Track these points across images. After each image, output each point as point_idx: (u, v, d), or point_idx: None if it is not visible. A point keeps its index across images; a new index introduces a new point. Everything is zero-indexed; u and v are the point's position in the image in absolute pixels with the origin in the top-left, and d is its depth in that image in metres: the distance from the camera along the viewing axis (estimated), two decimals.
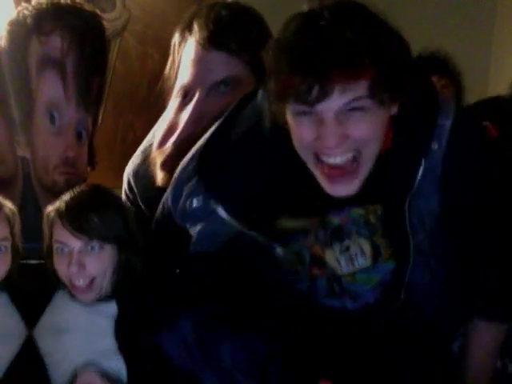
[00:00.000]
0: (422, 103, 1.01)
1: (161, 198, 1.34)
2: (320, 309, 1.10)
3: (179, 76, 1.40)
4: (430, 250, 1.06)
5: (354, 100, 0.89)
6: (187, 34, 1.37)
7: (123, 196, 1.68)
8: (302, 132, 0.94)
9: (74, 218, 1.11)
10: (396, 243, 1.05)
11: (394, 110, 0.98)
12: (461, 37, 2.36)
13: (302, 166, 1.00)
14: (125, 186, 1.65)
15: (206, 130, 1.24)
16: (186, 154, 1.27)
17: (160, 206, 1.29)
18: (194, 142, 1.25)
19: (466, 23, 2.39)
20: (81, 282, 1.12)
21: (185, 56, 1.38)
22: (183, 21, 1.41)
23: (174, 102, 1.41)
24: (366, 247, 1.05)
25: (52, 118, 1.48)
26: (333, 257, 1.06)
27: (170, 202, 1.22)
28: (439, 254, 1.07)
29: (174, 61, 1.43)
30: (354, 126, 0.91)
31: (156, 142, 1.46)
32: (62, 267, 1.13)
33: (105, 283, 1.16)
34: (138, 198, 1.60)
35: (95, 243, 1.13)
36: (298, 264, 1.10)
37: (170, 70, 1.45)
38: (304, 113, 0.92)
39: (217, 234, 1.11)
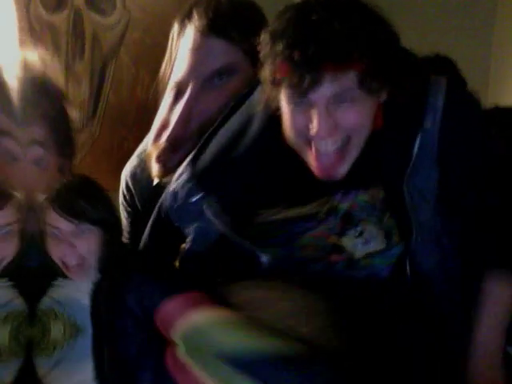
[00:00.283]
0: (412, 85, 1.03)
1: (157, 198, 1.35)
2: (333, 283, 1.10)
3: (174, 71, 1.39)
4: (440, 228, 1.07)
5: (343, 90, 0.92)
6: (186, 22, 1.36)
7: (120, 197, 1.71)
8: (294, 120, 0.98)
9: (64, 202, 1.20)
10: (400, 223, 1.07)
11: (384, 97, 1.01)
12: (461, 37, 2.37)
13: (295, 153, 1.04)
14: (122, 186, 1.67)
15: (199, 128, 1.27)
16: (178, 149, 1.31)
17: (156, 209, 1.31)
18: (187, 139, 1.29)
19: (466, 23, 2.39)
20: (73, 262, 1.20)
21: (182, 47, 1.37)
22: (183, 10, 1.41)
23: (167, 98, 1.41)
24: (378, 231, 1.07)
25: None
26: (350, 243, 1.07)
27: (167, 203, 1.24)
28: (450, 231, 1.08)
29: (170, 56, 1.43)
30: (343, 115, 0.95)
31: (151, 137, 1.47)
32: (54, 249, 1.22)
33: (93, 265, 1.24)
34: (136, 198, 1.63)
35: (84, 226, 1.20)
36: (315, 252, 1.11)
37: (165, 66, 1.44)
38: (296, 102, 0.96)
39: (208, 233, 1.14)
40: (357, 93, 0.93)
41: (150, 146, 1.46)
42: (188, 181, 1.17)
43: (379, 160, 1.04)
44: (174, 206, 1.21)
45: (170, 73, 1.40)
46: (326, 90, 0.91)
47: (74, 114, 1.51)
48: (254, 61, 1.19)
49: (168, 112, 1.39)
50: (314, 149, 0.99)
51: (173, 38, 1.43)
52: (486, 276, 1.12)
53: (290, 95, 0.96)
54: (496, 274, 1.12)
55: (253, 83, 1.18)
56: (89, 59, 2.28)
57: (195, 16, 1.34)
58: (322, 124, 0.93)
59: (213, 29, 1.30)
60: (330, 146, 0.97)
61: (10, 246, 1.23)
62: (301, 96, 0.94)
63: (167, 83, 1.43)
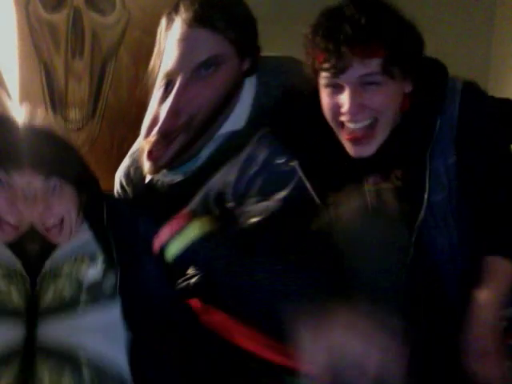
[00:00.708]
0: (432, 75, 1.21)
1: (149, 195, 1.43)
2: None
3: (163, 63, 1.39)
4: (450, 212, 1.15)
5: (369, 74, 1.09)
6: (174, 15, 1.37)
7: (116, 195, 1.72)
8: (329, 102, 1.14)
9: (31, 157, 1.15)
10: (413, 202, 1.14)
11: (408, 87, 1.16)
12: (461, 37, 2.37)
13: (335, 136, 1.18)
14: (117, 186, 1.68)
15: (189, 119, 1.33)
16: (170, 143, 1.35)
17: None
18: (177, 131, 1.34)
19: (466, 23, 2.39)
20: (50, 222, 1.17)
21: (170, 39, 1.38)
22: (170, 6, 1.43)
23: (157, 91, 1.42)
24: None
25: None
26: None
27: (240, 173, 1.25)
28: (458, 215, 1.16)
29: (158, 50, 1.43)
30: (369, 97, 1.11)
31: (142, 132, 1.46)
32: (30, 211, 1.16)
33: (73, 225, 1.21)
34: (130, 196, 1.63)
35: (54, 181, 1.17)
36: None
37: (154, 61, 1.44)
38: (331, 85, 1.13)
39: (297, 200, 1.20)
40: (381, 78, 1.10)
41: (141, 141, 1.46)
42: (273, 141, 1.24)
43: (404, 140, 1.16)
44: (251, 173, 1.23)
45: (159, 66, 1.40)
46: (354, 71, 1.08)
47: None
48: (240, 51, 1.34)
49: (158, 106, 1.40)
50: (345, 127, 1.13)
51: (160, 33, 1.43)
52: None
53: (326, 79, 1.13)
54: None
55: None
56: (88, 58, 2.27)
57: (182, 9, 1.36)
58: (351, 102, 1.09)
59: (199, 20, 1.33)
60: (358, 124, 1.12)
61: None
62: (334, 78, 1.10)
63: (156, 77, 1.43)
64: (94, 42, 2.27)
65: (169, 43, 1.38)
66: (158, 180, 1.50)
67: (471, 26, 2.40)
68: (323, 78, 1.14)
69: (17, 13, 2.16)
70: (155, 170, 1.42)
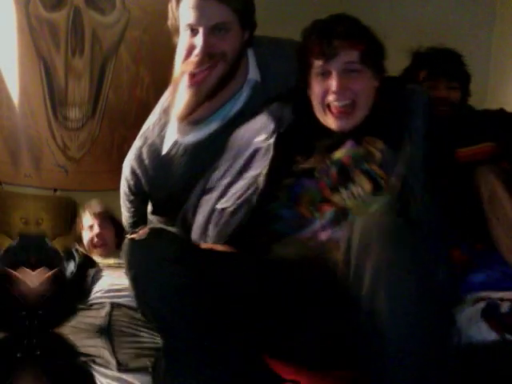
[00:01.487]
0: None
1: (166, 168, 1.56)
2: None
3: (181, 21, 1.50)
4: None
5: (351, 62, 1.39)
6: None
7: (124, 186, 1.75)
8: (319, 88, 1.41)
9: None
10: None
11: (377, 83, 1.45)
12: (461, 37, 2.37)
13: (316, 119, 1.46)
14: (125, 175, 1.71)
15: (224, 55, 1.46)
16: (214, 64, 1.46)
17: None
18: (218, 56, 1.45)
19: (466, 23, 2.40)
20: None
21: (182, 10, 1.49)
22: None
23: (183, 35, 1.49)
24: (368, 183, 1.34)
25: None
26: (341, 196, 1.35)
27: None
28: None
29: (172, 23, 1.54)
30: (352, 81, 1.40)
31: (178, 62, 1.50)
32: None
33: None
34: (142, 180, 1.65)
35: None
36: (309, 204, 1.39)
37: (171, 19, 1.54)
38: (321, 73, 1.41)
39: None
40: (359, 66, 1.40)
41: (179, 67, 1.49)
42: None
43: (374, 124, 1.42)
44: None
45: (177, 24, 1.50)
46: (340, 58, 1.38)
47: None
48: (242, 22, 1.51)
49: (190, 38, 1.48)
50: (331, 107, 1.40)
51: (172, 9, 1.53)
52: None
53: (318, 68, 1.40)
54: None
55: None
56: (88, 58, 2.28)
57: None
58: (337, 83, 1.38)
59: None
60: (342, 102, 1.39)
61: None
62: (325, 64, 1.39)
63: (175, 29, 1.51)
64: (93, 41, 2.28)
65: (181, 13, 1.49)
66: (176, 147, 1.55)
67: (471, 26, 2.40)
68: (315, 67, 1.42)
69: (17, 12, 2.16)
70: (198, 98, 1.48)
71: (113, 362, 1.51)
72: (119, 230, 1.98)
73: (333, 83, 1.38)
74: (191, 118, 1.50)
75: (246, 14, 1.52)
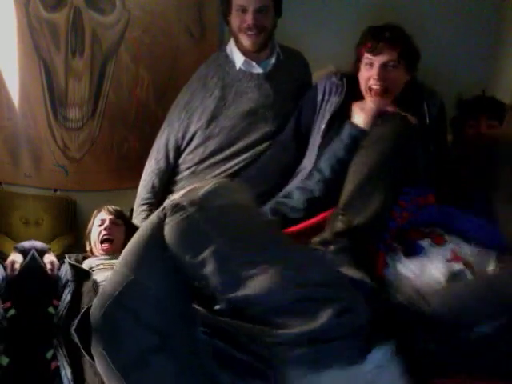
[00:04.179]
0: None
1: None
2: None
3: (234, 2, 2.07)
4: None
5: (390, 60, 1.85)
6: None
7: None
8: (365, 72, 1.89)
9: None
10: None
11: (407, 77, 1.91)
12: (461, 36, 2.37)
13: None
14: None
15: (263, 29, 2.08)
16: (259, 32, 2.06)
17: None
18: (260, 28, 2.06)
19: (466, 23, 2.40)
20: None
21: None
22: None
23: (235, 14, 2.07)
24: None
25: None
26: None
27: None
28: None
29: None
30: (388, 74, 1.86)
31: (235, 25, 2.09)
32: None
33: None
34: None
35: None
36: None
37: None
38: (368, 63, 1.88)
39: None
40: (395, 64, 1.86)
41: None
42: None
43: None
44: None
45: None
46: (382, 56, 1.85)
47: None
48: (276, 5, 2.09)
49: (241, 16, 2.05)
50: (372, 90, 1.88)
51: None
52: None
53: (367, 59, 1.87)
54: None
55: None
56: (88, 58, 2.28)
57: None
58: (378, 72, 1.86)
59: None
60: (380, 87, 1.86)
61: None
62: (372, 57, 1.86)
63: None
64: (94, 42, 2.28)
65: None
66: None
67: (472, 26, 2.40)
68: (365, 58, 1.89)
69: (17, 12, 2.17)
70: (255, 46, 2.08)
71: None
72: (129, 231, 1.96)
73: (374, 72, 1.87)
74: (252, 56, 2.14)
75: (278, 1, 2.12)
